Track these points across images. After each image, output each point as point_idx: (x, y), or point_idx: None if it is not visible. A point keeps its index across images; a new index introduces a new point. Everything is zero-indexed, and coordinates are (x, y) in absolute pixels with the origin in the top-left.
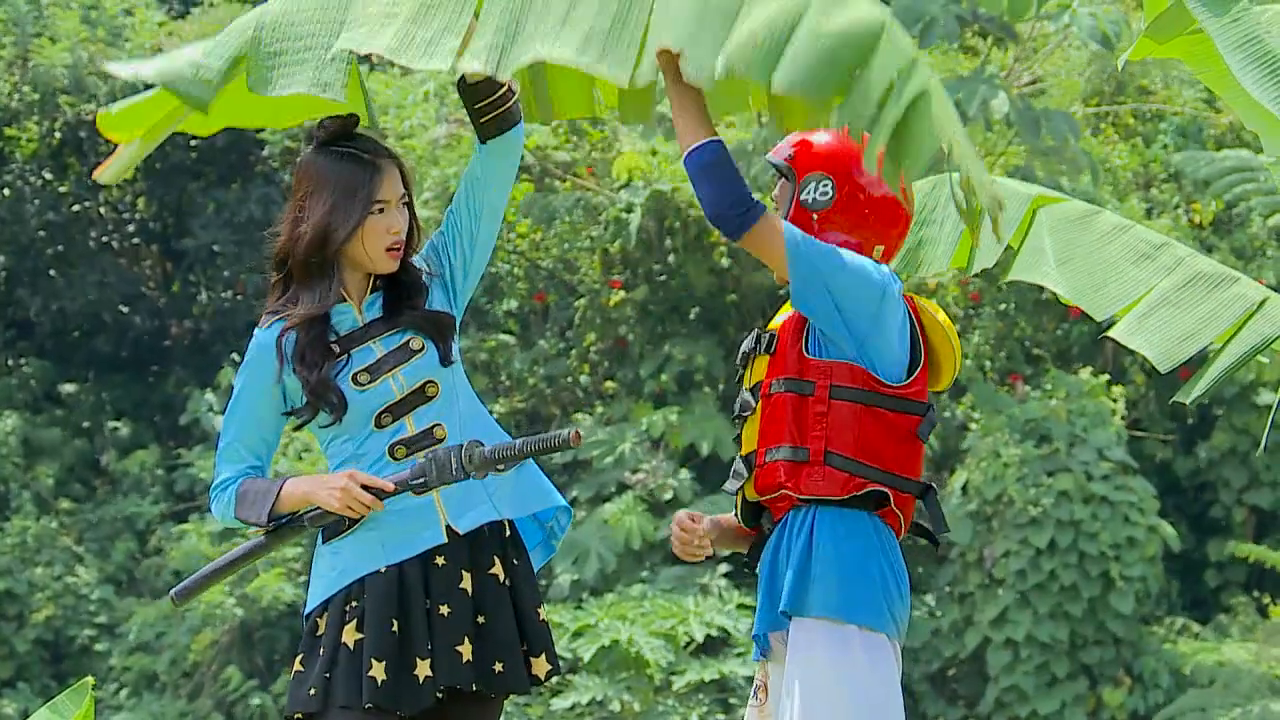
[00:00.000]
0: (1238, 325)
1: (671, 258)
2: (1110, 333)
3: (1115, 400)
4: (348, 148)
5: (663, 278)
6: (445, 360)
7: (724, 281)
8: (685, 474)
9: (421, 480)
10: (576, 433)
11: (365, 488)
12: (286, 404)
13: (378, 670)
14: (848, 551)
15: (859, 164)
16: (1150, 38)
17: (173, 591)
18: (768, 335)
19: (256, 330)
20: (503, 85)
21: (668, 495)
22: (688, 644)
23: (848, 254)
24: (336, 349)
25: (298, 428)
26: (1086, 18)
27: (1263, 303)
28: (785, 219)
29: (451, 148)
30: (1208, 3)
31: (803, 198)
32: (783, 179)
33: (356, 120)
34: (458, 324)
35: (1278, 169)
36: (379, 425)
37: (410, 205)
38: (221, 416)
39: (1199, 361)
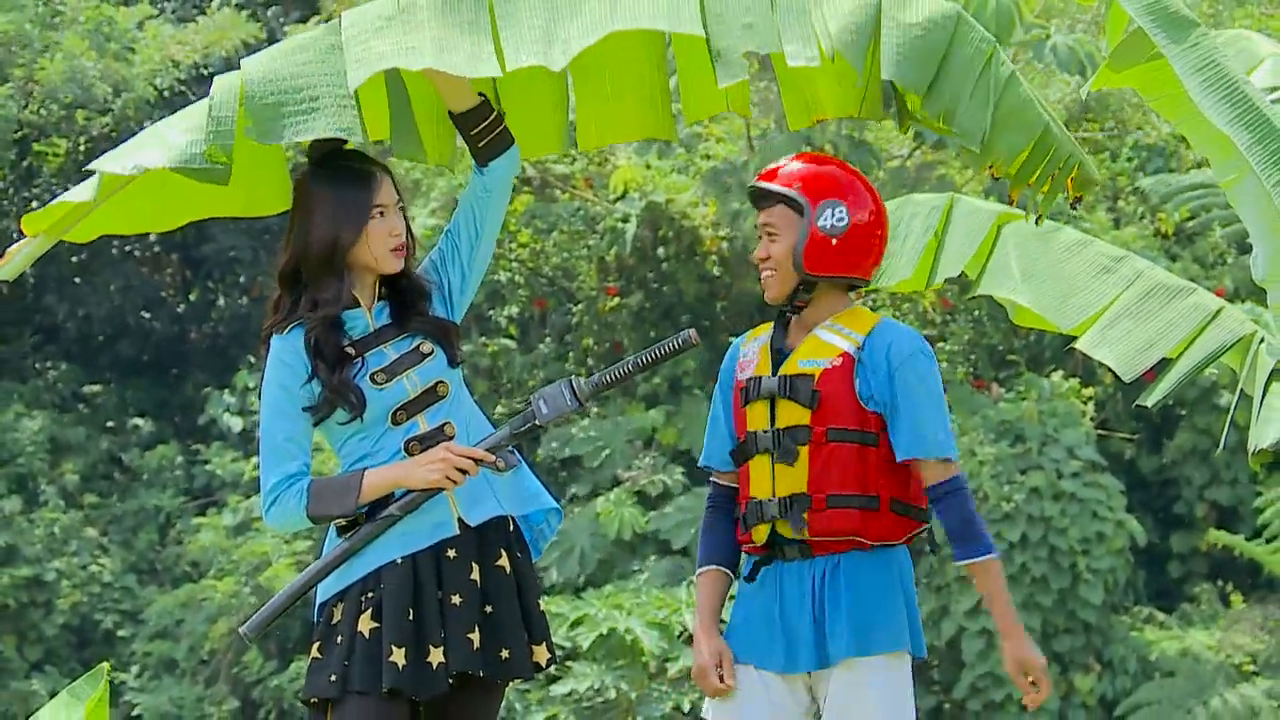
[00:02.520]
0: (1195, 333)
1: (665, 266)
2: (1076, 344)
3: (1085, 402)
4: (341, 163)
5: (656, 285)
6: (453, 362)
7: (714, 289)
8: (676, 471)
9: (532, 423)
10: (694, 331)
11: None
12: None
13: (398, 656)
14: (897, 586)
15: (862, 189)
16: (1111, 67)
17: (244, 628)
18: (789, 380)
19: (274, 339)
20: (494, 110)
21: (658, 490)
22: (680, 633)
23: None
24: (351, 352)
25: (316, 424)
26: (1063, 48)
27: (1218, 312)
28: (800, 247)
29: (459, 158)
30: (1166, 29)
31: (820, 224)
32: (782, 206)
33: (344, 140)
34: (459, 330)
35: (1228, 187)
36: (394, 422)
37: (404, 210)
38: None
39: (1163, 365)
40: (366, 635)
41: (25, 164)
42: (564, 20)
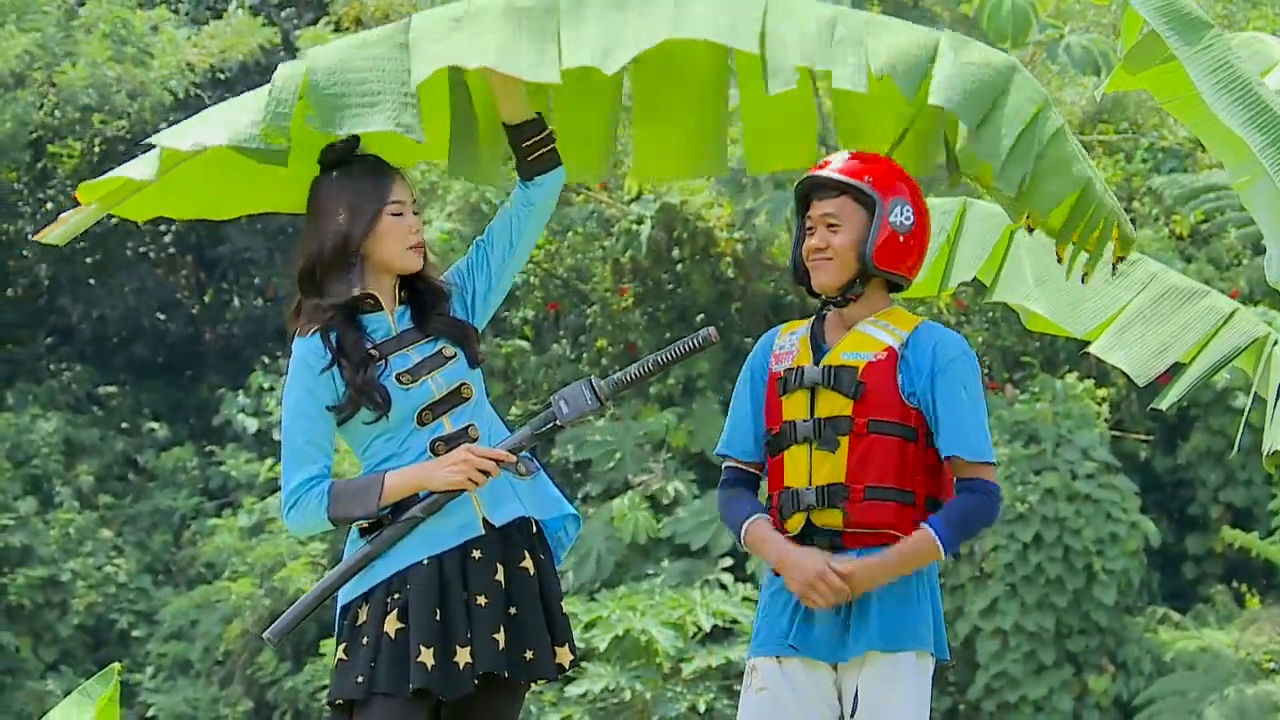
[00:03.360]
0: (1208, 337)
1: (679, 267)
2: (1090, 348)
3: (1099, 403)
4: (355, 163)
5: (671, 286)
6: (473, 363)
7: (729, 290)
8: (689, 475)
9: (553, 423)
10: (714, 330)
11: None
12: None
13: (426, 656)
14: (926, 586)
15: (917, 190)
16: (1126, 70)
17: (267, 632)
18: (833, 370)
19: (296, 341)
20: (547, 127)
21: (670, 494)
22: (695, 633)
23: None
24: (375, 354)
25: (340, 423)
26: (1078, 48)
27: (1231, 315)
28: (873, 238)
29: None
30: (1180, 31)
31: (893, 220)
32: (846, 198)
33: (357, 142)
34: (479, 334)
35: (1242, 189)
36: (420, 423)
37: (418, 214)
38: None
39: (1177, 368)
40: (393, 636)
41: (40, 166)
42: (624, 28)
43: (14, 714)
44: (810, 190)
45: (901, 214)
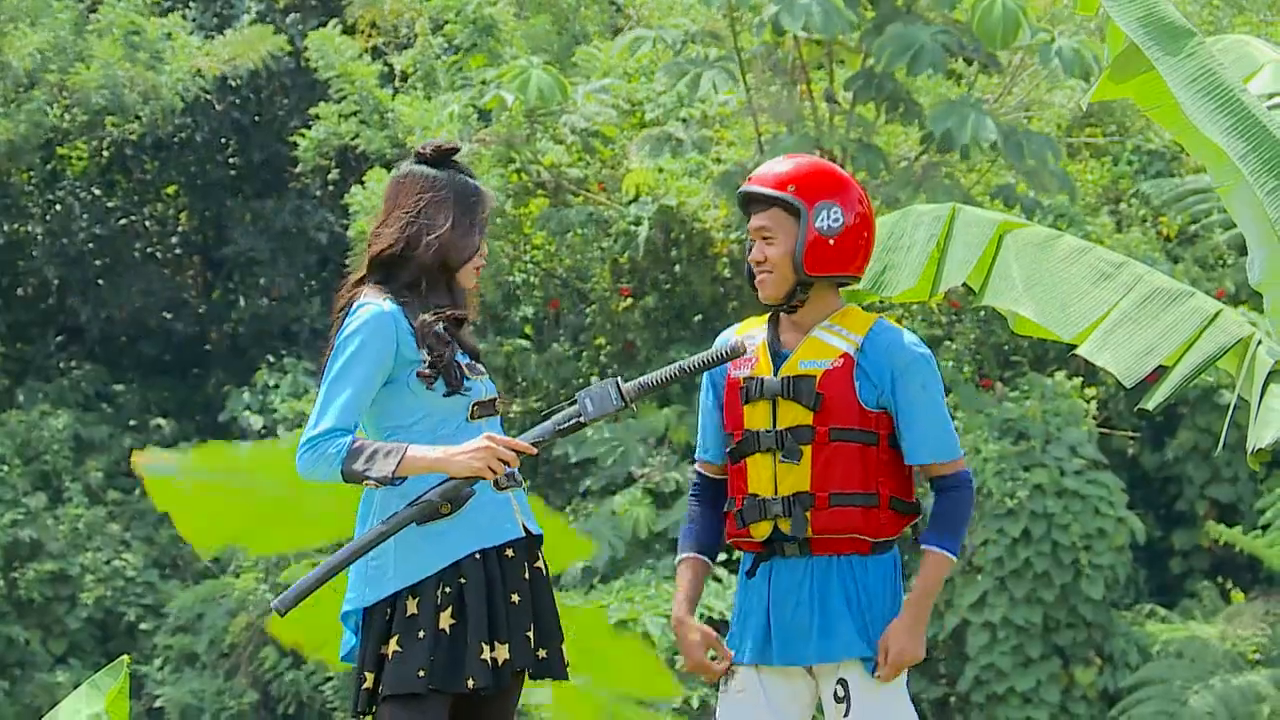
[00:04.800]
0: (1194, 337)
1: (677, 268)
2: (1078, 350)
3: (1088, 401)
4: (461, 174)
5: (668, 286)
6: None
7: (726, 290)
8: (689, 469)
9: (576, 420)
10: (742, 341)
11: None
12: (390, 375)
13: (500, 652)
14: (900, 588)
15: (851, 187)
16: (1111, 79)
17: (276, 602)
18: (792, 381)
19: (371, 305)
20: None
21: (671, 488)
22: None
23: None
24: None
25: (430, 384)
26: (1068, 51)
27: (1216, 315)
28: (800, 248)
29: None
30: (1161, 41)
31: (819, 225)
32: (776, 209)
33: (458, 147)
34: None
35: (1225, 194)
36: (471, 418)
37: None
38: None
39: (1164, 368)
40: (448, 632)
41: (49, 167)
42: None
43: (24, 706)
44: (746, 204)
45: (829, 218)
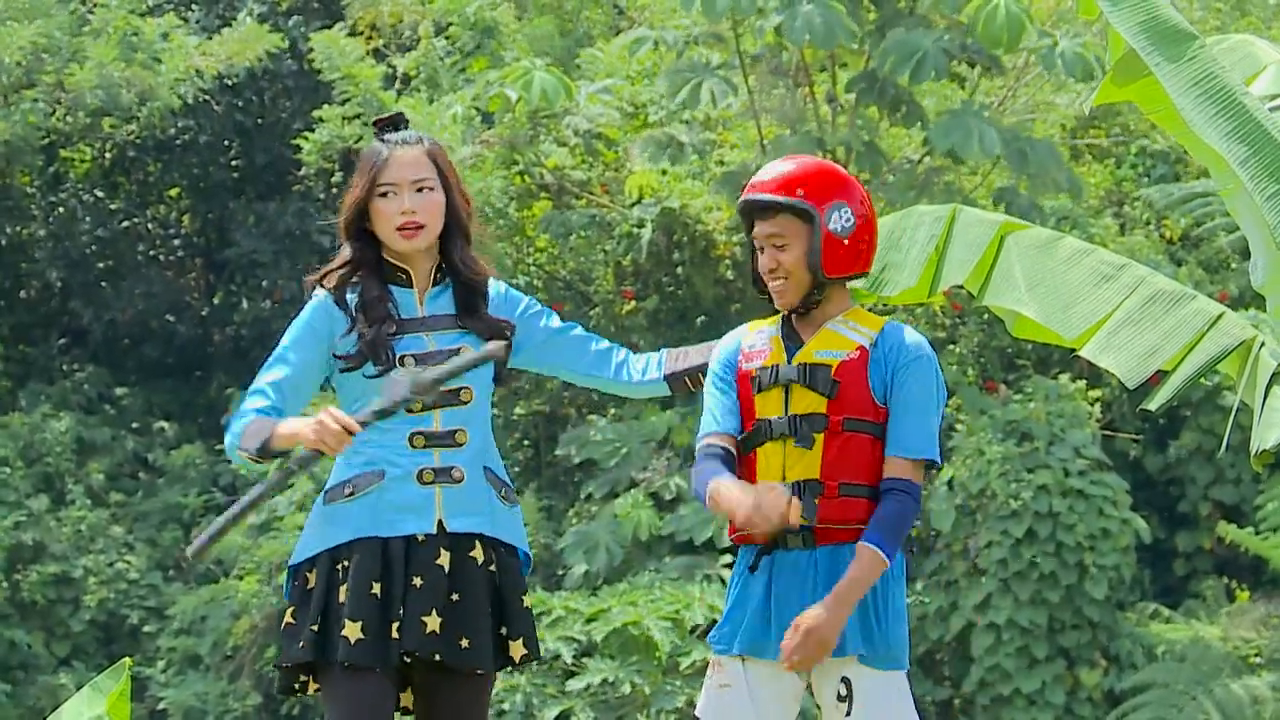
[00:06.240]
0: (1196, 339)
1: (680, 270)
2: (1080, 351)
3: (1091, 403)
4: (380, 137)
5: (672, 289)
6: (497, 378)
7: (729, 292)
8: (690, 472)
9: (380, 408)
10: (502, 345)
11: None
12: (329, 364)
13: (352, 630)
14: (902, 585)
15: (853, 183)
16: (1113, 82)
17: (189, 550)
18: (808, 368)
19: (319, 291)
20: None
21: (672, 493)
22: (693, 628)
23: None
24: (392, 328)
25: (344, 370)
26: (1071, 54)
27: (1218, 318)
28: (817, 252)
29: (478, 167)
30: (1161, 45)
31: (832, 228)
32: (786, 215)
33: (400, 116)
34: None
35: (1228, 196)
36: (408, 409)
37: (446, 188)
38: None
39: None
40: (333, 607)
41: (52, 170)
42: None
43: (27, 708)
44: (752, 212)
45: (841, 219)
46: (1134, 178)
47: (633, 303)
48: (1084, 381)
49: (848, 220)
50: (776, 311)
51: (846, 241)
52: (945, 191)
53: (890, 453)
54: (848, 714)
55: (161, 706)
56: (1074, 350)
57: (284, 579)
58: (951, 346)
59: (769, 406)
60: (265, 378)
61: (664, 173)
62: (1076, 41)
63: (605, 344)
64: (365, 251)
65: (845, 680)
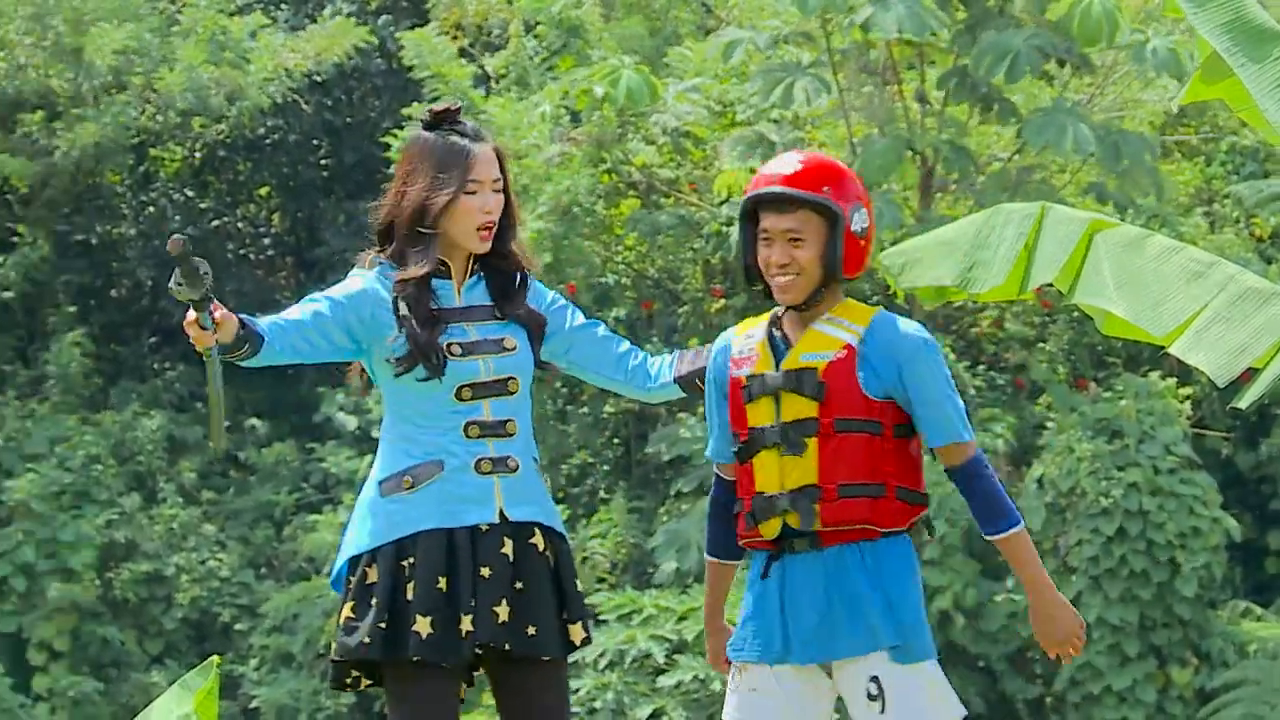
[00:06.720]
0: None
1: None
2: (1170, 349)
3: (1182, 401)
4: (448, 130)
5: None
6: (537, 362)
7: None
8: None
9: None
10: (175, 240)
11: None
12: (351, 337)
13: (422, 625)
14: (918, 578)
15: (862, 186)
16: (1202, 80)
17: (219, 445)
18: (795, 374)
19: (358, 270)
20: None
21: None
22: None
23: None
24: (436, 317)
25: (397, 375)
26: (1163, 51)
27: None
28: (838, 251)
29: (564, 165)
30: (1245, 45)
31: (855, 229)
32: (807, 211)
33: (460, 108)
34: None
35: None
36: (459, 398)
37: (506, 191)
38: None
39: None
40: (404, 600)
41: (142, 169)
42: None
43: (120, 705)
44: (766, 204)
45: (861, 220)
46: (1223, 175)
47: (721, 301)
48: (1174, 379)
49: (865, 222)
50: (766, 309)
51: (863, 242)
52: (1038, 191)
53: (935, 444)
54: (881, 712)
55: (254, 705)
56: (1164, 348)
57: (336, 569)
58: (1042, 344)
59: (760, 415)
60: (309, 305)
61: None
62: (1168, 39)
63: (625, 345)
64: (421, 258)
65: (875, 679)
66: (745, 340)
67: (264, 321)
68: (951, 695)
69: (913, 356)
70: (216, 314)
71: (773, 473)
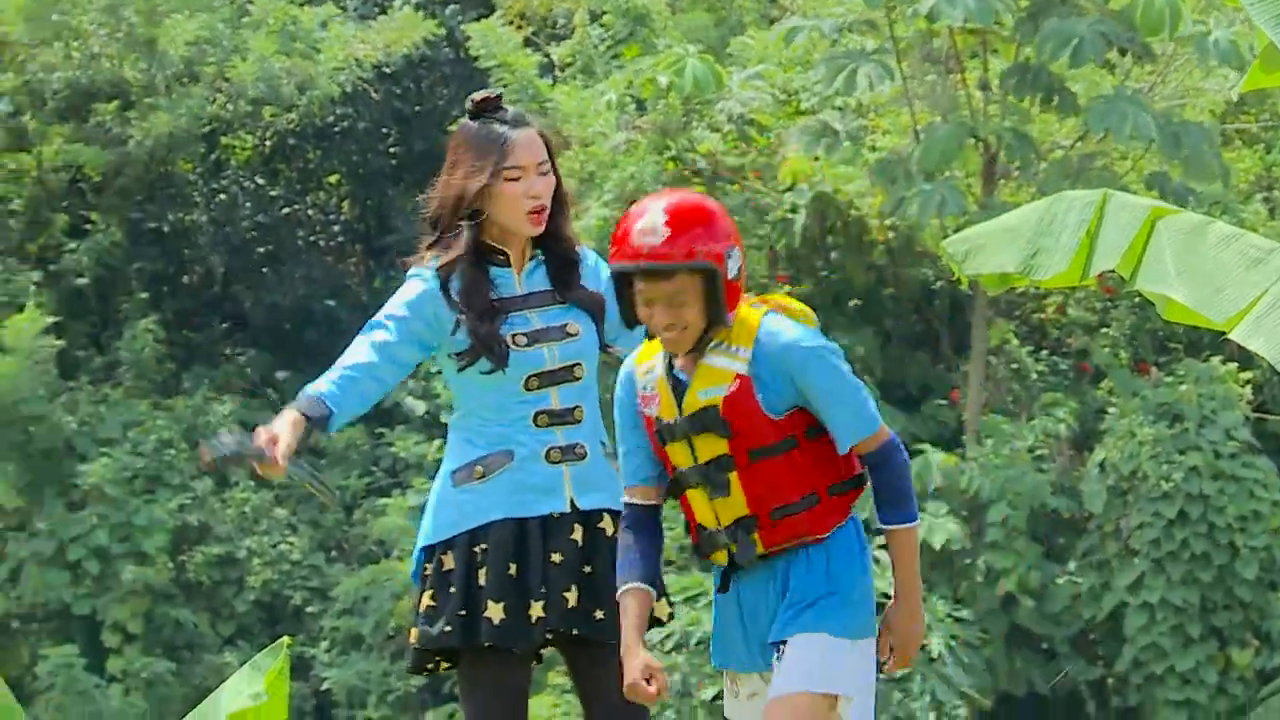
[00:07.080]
0: None
1: (833, 255)
2: (1231, 335)
3: (1243, 386)
4: (490, 118)
5: (825, 273)
6: (601, 344)
7: (882, 276)
8: None
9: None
10: (204, 456)
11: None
12: (421, 346)
13: (495, 611)
14: (863, 568)
15: (727, 219)
16: (1261, 69)
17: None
18: (697, 417)
19: (414, 270)
20: None
21: None
22: None
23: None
24: (497, 307)
25: (461, 369)
26: (1224, 41)
27: None
28: (721, 303)
29: (630, 153)
30: None
31: (732, 276)
32: (684, 275)
33: (500, 95)
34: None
35: None
36: (527, 388)
37: (555, 173)
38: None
39: None
40: (477, 586)
41: (214, 157)
42: None
43: (193, 686)
44: (638, 274)
45: (735, 262)
46: None
47: (786, 287)
48: (1235, 364)
49: (738, 261)
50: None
51: (739, 281)
52: (1100, 178)
53: (848, 443)
54: (779, 674)
55: (325, 686)
56: (1224, 333)
57: (413, 559)
58: (1104, 329)
59: (679, 457)
60: (373, 336)
61: (817, 158)
62: (1229, 30)
63: None
64: (461, 239)
65: (785, 642)
66: (646, 376)
67: (330, 382)
68: (846, 675)
69: (803, 367)
70: (272, 454)
71: (706, 510)
